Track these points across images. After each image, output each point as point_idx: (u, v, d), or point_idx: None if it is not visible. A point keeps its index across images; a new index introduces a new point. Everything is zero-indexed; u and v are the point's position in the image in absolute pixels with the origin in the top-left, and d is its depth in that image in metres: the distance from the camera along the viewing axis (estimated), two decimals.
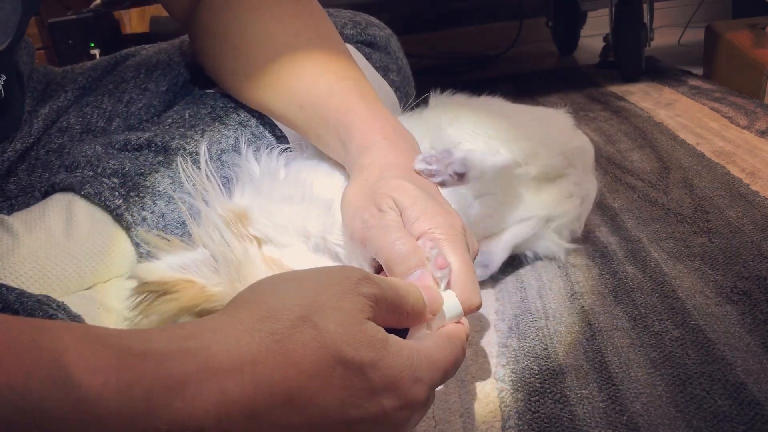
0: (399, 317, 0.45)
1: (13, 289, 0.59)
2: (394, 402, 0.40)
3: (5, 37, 0.71)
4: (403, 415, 0.41)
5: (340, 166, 0.68)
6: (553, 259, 0.83)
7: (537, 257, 0.84)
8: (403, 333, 0.46)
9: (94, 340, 0.34)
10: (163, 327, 0.39)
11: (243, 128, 0.77)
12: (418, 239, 0.53)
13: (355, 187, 0.60)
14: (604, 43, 1.97)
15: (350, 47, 0.83)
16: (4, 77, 0.75)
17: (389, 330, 0.43)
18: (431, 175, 0.60)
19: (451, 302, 0.50)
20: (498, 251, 0.80)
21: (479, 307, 0.52)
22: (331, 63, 0.72)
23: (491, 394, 0.61)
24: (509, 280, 0.81)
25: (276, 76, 0.73)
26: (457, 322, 0.50)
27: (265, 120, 0.79)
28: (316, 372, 0.37)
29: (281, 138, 0.79)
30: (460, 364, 0.47)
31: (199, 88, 0.85)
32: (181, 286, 0.58)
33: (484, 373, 0.64)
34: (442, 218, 0.54)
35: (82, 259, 0.68)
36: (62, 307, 0.62)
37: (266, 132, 0.79)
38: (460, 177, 0.61)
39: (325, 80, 0.70)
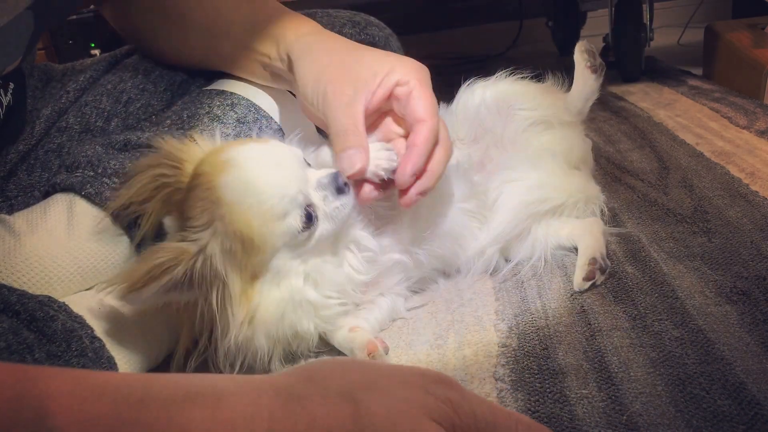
0: None
1: (15, 290, 0.59)
2: None
3: (18, 53, 0.71)
4: None
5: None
6: (553, 260, 0.83)
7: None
8: None
9: (88, 389, 0.31)
10: (177, 374, 0.35)
11: (241, 125, 0.78)
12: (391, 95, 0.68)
13: (318, 64, 0.69)
14: (604, 43, 1.97)
15: None
16: (12, 85, 0.75)
17: None
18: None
19: None
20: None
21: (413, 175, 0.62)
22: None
23: (491, 394, 0.61)
24: (509, 280, 0.81)
25: (203, 23, 0.82)
26: None
27: (261, 114, 0.80)
28: None
29: (278, 131, 0.80)
30: None
31: (197, 87, 0.85)
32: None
33: (484, 373, 0.64)
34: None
35: (83, 259, 0.68)
36: (63, 308, 0.62)
37: (263, 127, 0.79)
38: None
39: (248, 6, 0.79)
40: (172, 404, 0.31)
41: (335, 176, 0.65)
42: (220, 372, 0.65)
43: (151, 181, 0.65)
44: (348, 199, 0.66)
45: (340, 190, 0.65)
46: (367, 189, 0.67)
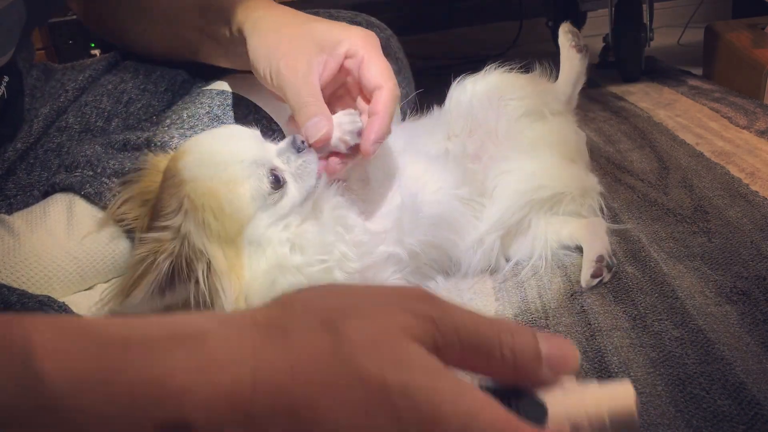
0: (487, 362, 0.34)
1: (15, 290, 0.59)
2: None
3: (10, 45, 0.71)
4: None
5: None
6: (554, 260, 0.83)
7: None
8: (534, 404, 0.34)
9: (73, 331, 0.31)
10: (158, 316, 0.35)
11: (242, 124, 0.78)
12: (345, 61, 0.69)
13: (268, 40, 0.70)
14: (604, 43, 1.97)
15: None
16: (7, 78, 0.75)
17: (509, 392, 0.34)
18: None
19: (617, 392, 0.33)
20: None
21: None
22: None
23: None
24: (509, 280, 0.81)
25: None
26: None
27: (261, 114, 0.80)
28: (329, 386, 0.31)
29: (277, 131, 0.80)
30: None
31: (198, 87, 0.85)
32: None
33: None
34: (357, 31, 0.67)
35: (83, 259, 0.68)
36: (63, 308, 0.62)
37: (264, 127, 0.79)
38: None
39: None
40: (155, 346, 0.31)
41: (291, 139, 0.67)
42: None
43: (137, 196, 0.67)
44: (310, 156, 0.67)
45: (299, 149, 0.66)
46: (334, 161, 0.68)
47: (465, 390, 0.32)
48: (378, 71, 0.68)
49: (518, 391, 0.34)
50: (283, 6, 0.77)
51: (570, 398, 0.33)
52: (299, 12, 0.77)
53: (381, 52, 0.70)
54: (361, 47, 0.69)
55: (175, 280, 0.60)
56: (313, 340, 0.32)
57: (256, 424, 0.31)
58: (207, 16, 0.78)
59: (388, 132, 0.67)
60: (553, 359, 0.34)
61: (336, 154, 0.68)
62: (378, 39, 0.71)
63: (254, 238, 0.64)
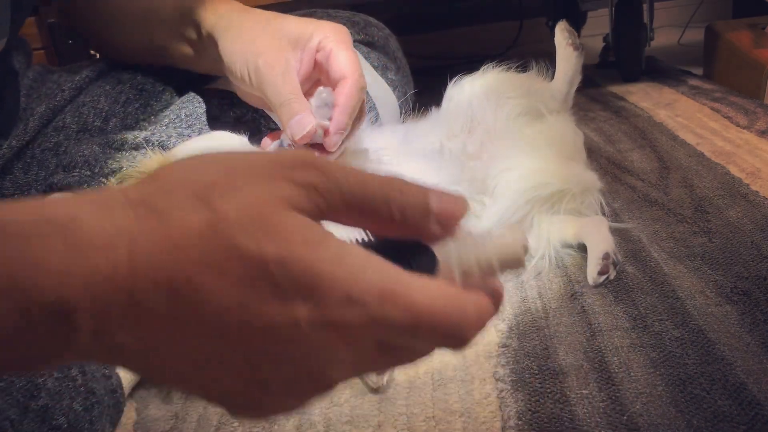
0: (376, 221, 0.34)
1: None
2: (310, 313, 0.31)
3: (1, 35, 0.71)
4: (324, 337, 0.31)
5: None
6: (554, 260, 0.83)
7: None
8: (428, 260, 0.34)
9: None
10: (27, 202, 0.33)
11: (240, 124, 0.78)
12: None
13: (243, 39, 0.70)
14: (604, 43, 1.97)
15: None
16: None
17: (407, 248, 0.34)
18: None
19: (507, 239, 0.35)
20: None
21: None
22: None
23: (491, 394, 0.61)
24: (509, 280, 0.81)
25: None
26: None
27: (259, 113, 0.80)
28: (207, 262, 0.30)
29: (275, 130, 0.80)
30: (444, 337, 0.33)
31: (196, 86, 0.85)
32: None
33: (484, 373, 0.64)
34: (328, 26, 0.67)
35: None
36: None
37: (261, 126, 0.79)
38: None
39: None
40: (27, 231, 0.30)
41: (279, 143, 0.68)
42: None
43: None
44: None
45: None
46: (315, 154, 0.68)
47: (346, 254, 0.31)
48: (344, 62, 0.67)
49: (409, 245, 0.34)
50: (251, 8, 0.77)
51: (461, 248, 0.34)
52: (266, 11, 0.77)
53: (350, 44, 0.70)
54: (331, 40, 0.69)
55: None
56: (188, 217, 0.31)
57: (139, 302, 0.30)
58: (181, 19, 0.78)
59: (347, 124, 0.67)
60: (442, 214, 0.34)
61: (318, 147, 0.68)
62: (348, 32, 0.71)
63: None
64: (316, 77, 0.72)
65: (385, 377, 0.63)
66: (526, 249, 0.35)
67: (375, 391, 0.63)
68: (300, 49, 0.69)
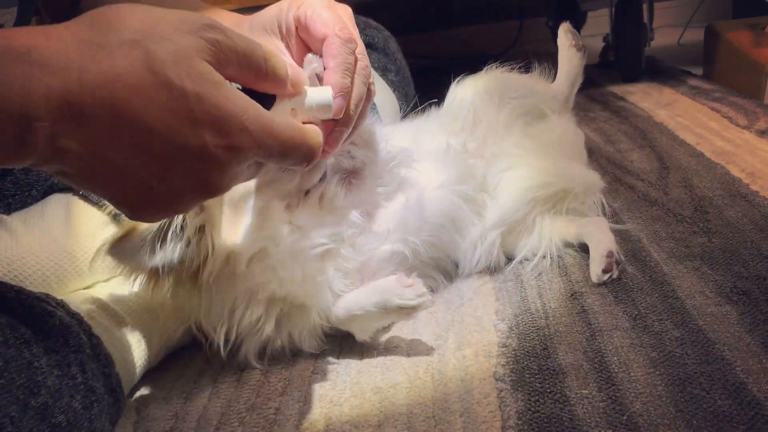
0: (255, 77, 0.47)
1: (12, 287, 0.59)
2: (216, 139, 0.43)
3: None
4: (225, 156, 0.44)
5: None
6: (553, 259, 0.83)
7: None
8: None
9: None
10: None
11: None
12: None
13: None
14: (604, 43, 1.97)
15: None
16: None
17: (253, 95, 0.47)
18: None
19: (322, 93, 0.52)
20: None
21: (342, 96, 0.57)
22: None
23: (491, 393, 0.61)
24: (509, 280, 0.81)
25: None
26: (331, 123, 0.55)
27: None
28: (141, 90, 0.40)
29: None
30: (301, 156, 0.49)
31: None
32: None
33: (484, 373, 0.64)
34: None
35: (80, 257, 0.68)
36: (61, 304, 0.62)
37: None
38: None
39: None
40: None
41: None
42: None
43: None
44: None
45: None
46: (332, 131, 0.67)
47: (239, 96, 0.44)
48: (322, 22, 0.59)
49: (268, 96, 0.50)
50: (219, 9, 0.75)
51: (296, 96, 0.51)
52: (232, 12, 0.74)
53: (332, 3, 0.62)
54: (308, 6, 0.61)
55: (168, 237, 0.61)
56: (127, 54, 0.40)
57: (86, 118, 0.39)
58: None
59: (344, 82, 0.57)
60: (293, 77, 0.50)
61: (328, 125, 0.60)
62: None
63: (257, 207, 0.65)
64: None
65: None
66: (336, 100, 0.54)
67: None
68: (283, 29, 0.62)
